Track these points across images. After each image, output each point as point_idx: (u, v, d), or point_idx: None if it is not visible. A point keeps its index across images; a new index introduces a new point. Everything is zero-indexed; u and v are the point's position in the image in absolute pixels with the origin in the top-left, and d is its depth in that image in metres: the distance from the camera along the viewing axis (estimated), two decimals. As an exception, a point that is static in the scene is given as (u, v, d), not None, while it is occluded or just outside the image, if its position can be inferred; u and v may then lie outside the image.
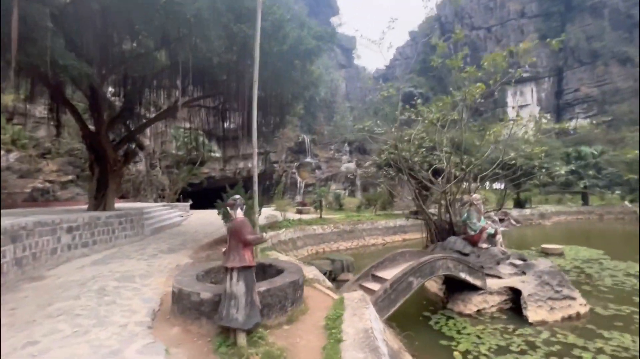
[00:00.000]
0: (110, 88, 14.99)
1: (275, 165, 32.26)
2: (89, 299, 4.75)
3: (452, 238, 9.16)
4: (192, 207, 21.65)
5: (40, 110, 17.09)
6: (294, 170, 32.44)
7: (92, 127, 11.00)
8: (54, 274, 6.25)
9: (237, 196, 3.82)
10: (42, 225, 6.65)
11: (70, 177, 17.07)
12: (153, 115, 13.83)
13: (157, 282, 5.79)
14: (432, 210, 20.40)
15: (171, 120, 18.38)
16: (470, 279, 6.91)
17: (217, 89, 11.71)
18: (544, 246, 13.01)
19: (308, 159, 34.13)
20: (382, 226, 17.79)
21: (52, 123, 17.25)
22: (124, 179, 20.66)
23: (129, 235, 10.09)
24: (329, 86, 41.14)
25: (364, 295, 4.50)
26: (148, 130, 21.83)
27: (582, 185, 30.42)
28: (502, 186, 26.36)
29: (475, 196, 8.99)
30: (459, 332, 6.00)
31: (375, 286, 5.95)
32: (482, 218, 8.80)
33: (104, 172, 10.64)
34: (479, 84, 10.60)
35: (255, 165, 6.89)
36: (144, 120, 13.21)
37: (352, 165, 35.04)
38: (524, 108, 43.81)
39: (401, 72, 54.96)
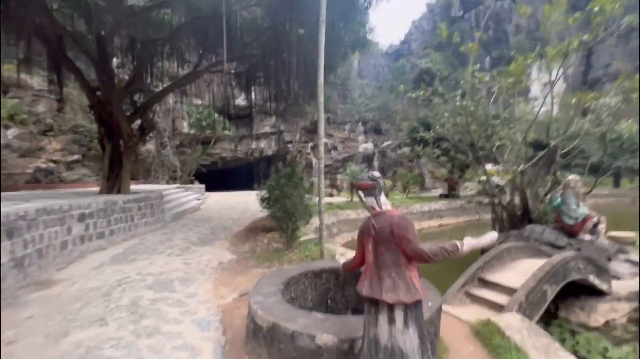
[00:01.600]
0: (115, 60, 13.20)
1: (289, 145, 30.53)
2: (120, 324, 3.27)
3: (535, 227, 7.64)
4: (206, 190, 20.22)
5: (38, 81, 15.35)
6: (308, 151, 30.72)
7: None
8: (65, 277, 4.80)
9: (376, 173, 2.21)
10: (47, 213, 5.15)
11: (76, 157, 15.52)
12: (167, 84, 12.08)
13: (204, 290, 4.33)
14: (468, 192, 18.84)
15: (184, 94, 16.63)
16: (598, 282, 5.43)
17: (246, 50, 9.87)
18: (612, 234, 11.44)
19: (324, 139, 32.26)
20: (416, 211, 16.29)
21: (52, 96, 15.63)
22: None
23: (149, 222, 8.62)
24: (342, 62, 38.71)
25: (526, 322, 2.98)
26: (158, 107, 20.08)
27: (615, 167, 28.53)
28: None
29: (573, 177, 7.38)
30: (604, 356, 4.55)
31: (490, 294, 4.49)
32: (582, 203, 7.23)
33: (117, 149, 9.06)
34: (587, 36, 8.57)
35: (321, 134, 5.28)
36: (160, 89, 11.46)
37: (370, 145, 33.21)
38: (549, 85, 41.22)
39: (417, 47, 51.85)
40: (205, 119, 17.65)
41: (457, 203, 17.90)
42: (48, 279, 4.70)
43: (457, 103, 10.41)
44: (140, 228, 8.17)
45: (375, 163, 32.26)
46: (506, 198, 9.90)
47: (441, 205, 17.52)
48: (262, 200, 7.06)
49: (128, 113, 9.81)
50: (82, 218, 6.06)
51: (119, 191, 8.91)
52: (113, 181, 9.03)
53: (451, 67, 45.88)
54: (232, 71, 11.79)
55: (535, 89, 40.71)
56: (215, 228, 9.15)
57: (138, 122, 10.44)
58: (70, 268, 5.23)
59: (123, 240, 7.25)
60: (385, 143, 34.16)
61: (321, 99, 5.08)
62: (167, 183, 19.44)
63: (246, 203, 15.36)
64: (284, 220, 6.39)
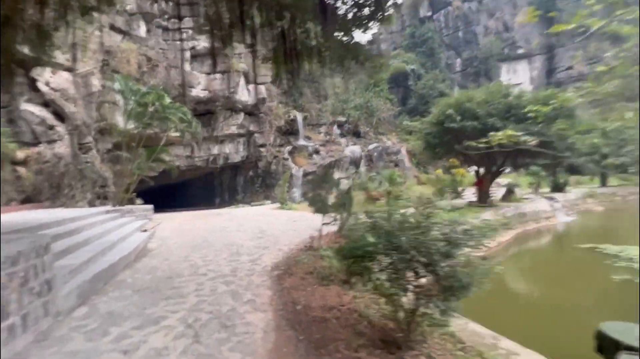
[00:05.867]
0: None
1: (262, 149, 24.79)
2: None
3: None
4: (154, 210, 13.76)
5: None
6: (286, 156, 25.29)
7: None
8: None
9: None
10: None
11: None
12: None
13: None
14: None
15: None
16: None
17: None
18: None
19: (302, 141, 27.10)
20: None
21: None
22: (31, 171, 12.09)
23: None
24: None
25: None
26: (72, 86, 13.27)
27: (605, 164, 27.75)
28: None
29: None
30: None
31: None
32: None
33: None
34: None
35: None
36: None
37: (357, 149, 28.80)
38: (516, 87, 41.33)
39: (386, 47, 49.71)
40: (153, 103, 11.43)
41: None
42: None
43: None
44: None
45: (362, 168, 27.91)
46: None
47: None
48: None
49: None
50: None
51: None
52: None
53: (423, 68, 44.25)
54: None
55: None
56: (201, 331, 3.48)
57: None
58: None
59: None
60: (372, 146, 30.09)
61: None
62: (92, 204, 12.63)
63: (225, 230, 9.62)
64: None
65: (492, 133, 10.12)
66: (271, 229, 10.22)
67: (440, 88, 39.48)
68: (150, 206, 12.87)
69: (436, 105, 16.21)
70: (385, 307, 3.40)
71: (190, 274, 5.46)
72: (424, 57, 44.82)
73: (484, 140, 9.93)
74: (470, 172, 31.54)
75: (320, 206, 5.39)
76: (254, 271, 5.67)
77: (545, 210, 17.76)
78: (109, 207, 11.41)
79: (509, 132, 8.75)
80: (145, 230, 9.65)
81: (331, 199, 6.37)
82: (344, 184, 12.99)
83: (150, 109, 11.68)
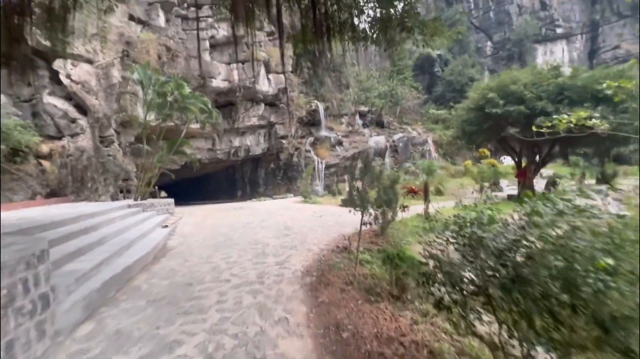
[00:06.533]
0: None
1: (283, 141, 24.09)
2: None
3: None
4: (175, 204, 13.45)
5: None
6: (308, 147, 24.48)
7: None
8: None
9: None
10: None
11: None
12: None
13: None
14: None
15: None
16: None
17: None
18: None
19: (324, 132, 26.18)
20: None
21: None
22: (55, 164, 11.97)
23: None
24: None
25: None
26: (92, 78, 13.01)
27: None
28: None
29: None
30: None
31: None
32: None
33: None
34: None
35: None
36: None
37: (382, 139, 27.52)
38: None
39: (411, 32, 47.29)
40: (172, 92, 10.86)
41: None
42: None
43: None
44: None
45: (387, 159, 26.66)
46: None
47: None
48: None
49: None
50: None
51: None
52: None
53: (450, 53, 41.73)
54: None
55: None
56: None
57: None
58: None
59: None
60: (397, 136, 28.71)
61: None
62: (114, 198, 12.43)
63: (248, 226, 9.00)
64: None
65: (555, 117, 8.79)
66: (297, 225, 9.51)
67: (470, 73, 37.04)
68: (172, 200, 12.51)
69: (473, 89, 14.74)
70: (467, 342, 2.54)
71: (211, 280, 4.81)
72: (451, 41, 42.28)
73: (546, 124, 8.61)
74: (503, 162, 29.51)
75: (358, 203, 4.54)
76: (282, 276, 4.94)
77: (596, 204, 15.99)
78: (130, 201, 11.10)
79: (581, 113, 7.38)
80: (166, 226, 9.20)
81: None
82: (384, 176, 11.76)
83: (169, 99, 11.14)
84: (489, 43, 41.86)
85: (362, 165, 4.63)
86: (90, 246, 5.33)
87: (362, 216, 4.68)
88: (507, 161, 27.72)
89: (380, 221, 5.63)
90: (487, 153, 30.75)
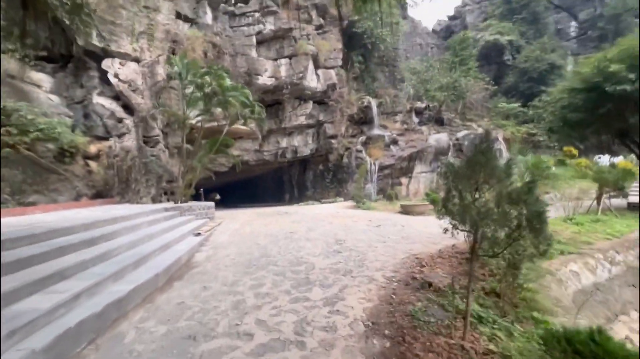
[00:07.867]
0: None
1: (332, 140, 22.40)
2: None
3: None
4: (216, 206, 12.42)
5: None
6: (359, 147, 22.47)
7: None
8: None
9: None
10: None
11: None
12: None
13: None
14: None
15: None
16: None
17: None
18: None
19: (377, 131, 23.92)
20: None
21: None
22: (102, 165, 11.70)
23: None
24: (389, 37, 30.12)
25: None
26: (139, 77, 12.63)
27: None
28: None
29: None
30: None
31: None
32: None
33: None
34: None
35: None
36: None
37: (444, 136, 24.35)
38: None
39: (474, 19, 42.64)
40: (210, 84, 9.78)
41: None
42: None
43: None
44: None
45: (451, 159, 23.36)
46: None
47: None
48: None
49: None
50: None
51: None
52: None
53: (523, 38, 36.30)
54: None
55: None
56: None
57: None
58: None
59: None
60: (461, 134, 25.25)
61: None
62: (155, 200, 11.80)
63: (291, 237, 7.23)
64: None
65: None
66: (350, 238, 7.59)
67: (551, 59, 31.51)
68: (212, 204, 11.48)
69: (580, 64, 11.39)
70: None
71: (226, 332, 3.13)
72: (524, 25, 36.86)
73: None
74: (599, 162, 24.06)
75: (466, 219, 2.54)
76: (335, 332, 3.08)
77: None
78: (168, 204, 10.24)
79: None
80: (199, 234, 7.97)
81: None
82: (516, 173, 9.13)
83: (207, 90, 10.07)
84: (573, 23, 35.63)
85: (476, 154, 2.59)
86: (83, 265, 4.04)
87: (475, 242, 2.64)
88: (603, 161, 22.55)
89: (510, 256, 3.27)
90: (575, 152, 25.59)
